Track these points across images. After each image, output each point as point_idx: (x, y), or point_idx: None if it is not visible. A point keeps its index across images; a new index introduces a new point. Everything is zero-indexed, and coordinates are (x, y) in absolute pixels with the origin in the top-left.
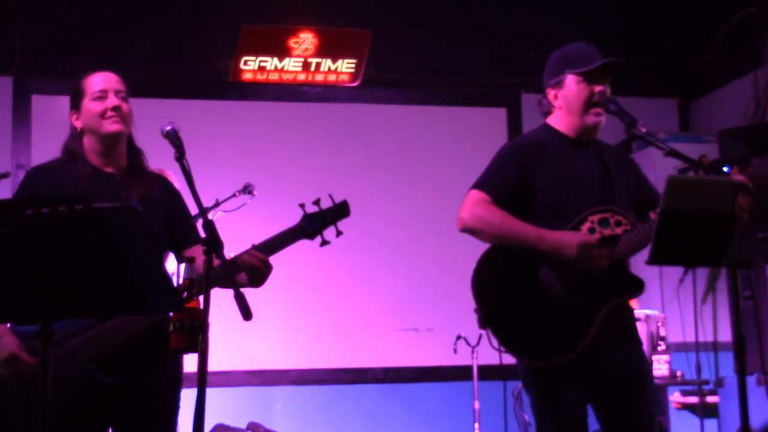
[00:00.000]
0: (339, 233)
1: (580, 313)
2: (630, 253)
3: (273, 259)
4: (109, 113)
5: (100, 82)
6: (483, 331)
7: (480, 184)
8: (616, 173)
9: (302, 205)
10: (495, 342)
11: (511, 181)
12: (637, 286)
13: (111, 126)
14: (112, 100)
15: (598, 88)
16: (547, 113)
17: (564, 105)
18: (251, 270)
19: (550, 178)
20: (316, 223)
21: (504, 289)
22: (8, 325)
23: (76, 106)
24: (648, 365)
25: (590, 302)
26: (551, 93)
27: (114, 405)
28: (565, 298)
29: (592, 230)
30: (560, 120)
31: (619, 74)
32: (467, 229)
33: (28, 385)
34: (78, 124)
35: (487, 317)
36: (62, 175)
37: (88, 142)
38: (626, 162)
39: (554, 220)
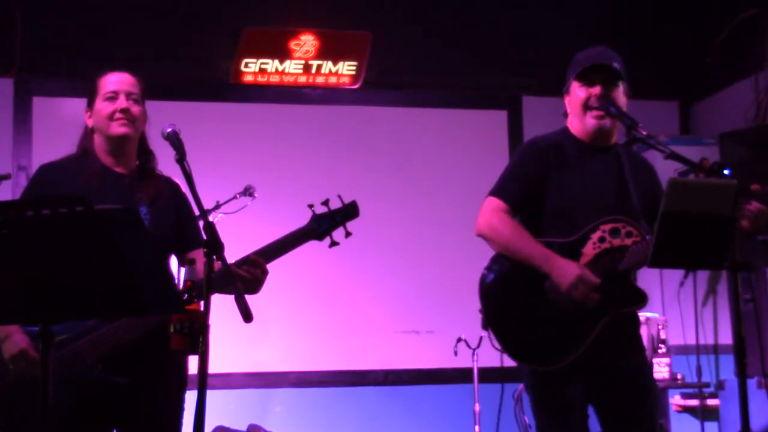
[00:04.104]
0: (348, 234)
1: (580, 321)
2: (636, 266)
3: (274, 261)
4: (118, 115)
5: (114, 82)
6: (484, 334)
7: (498, 191)
8: (633, 179)
9: (311, 206)
10: (495, 343)
11: (529, 183)
12: (639, 299)
13: (118, 128)
14: (122, 102)
15: (594, 91)
16: (566, 117)
17: (571, 109)
18: (244, 282)
19: (563, 181)
20: (326, 225)
21: (509, 293)
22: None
23: (90, 104)
24: (651, 372)
25: (591, 312)
26: (565, 97)
27: (120, 405)
28: (567, 307)
29: (602, 239)
30: (572, 124)
31: (617, 76)
32: (481, 236)
33: (37, 383)
34: (90, 123)
35: (490, 319)
36: (73, 173)
37: (98, 141)
38: (645, 167)
39: (563, 224)
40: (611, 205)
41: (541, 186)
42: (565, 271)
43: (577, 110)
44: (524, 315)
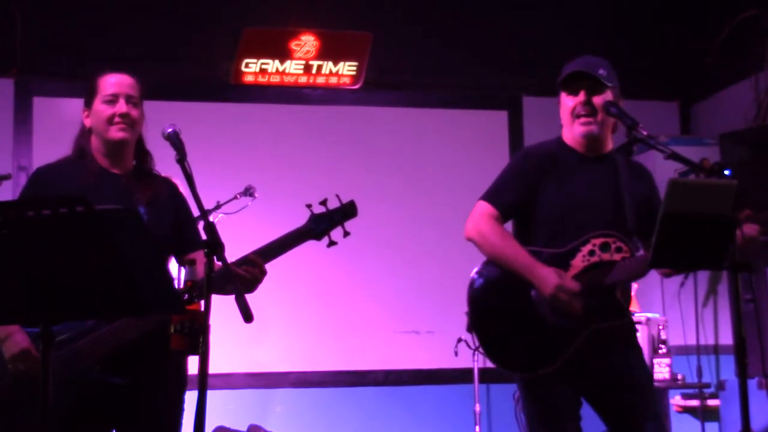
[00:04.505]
0: (346, 234)
1: (562, 331)
2: (623, 281)
3: (274, 261)
4: (117, 119)
5: (113, 84)
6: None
7: (489, 196)
8: (628, 189)
9: (309, 206)
10: (476, 344)
11: (522, 191)
12: (619, 314)
13: (116, 133)
14: (122, 107)
15: (579, 99)
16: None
17: (562, 119)
18: (242, 281)
19: (555, 191)
20: (324, 224)
21: (496, 300)
22: None
23: (88, 104)
24: (647, 369)
25: (574, 323)
26: (559, 109)
27: (119, 405)
28: (550, 317)
29: (592, 253)
30: (565, 134)
31: (600, 82)
32: (470, 240)
33: (37, 383)
34: (87, 123)
35: (475, 323)
36: (69, 175)
37: (95, 142)
38: (641, 174)
39: (553, 233)
40: (603, 216)
41: (533, 194)
42: (546, 280)
43: (566, 119)
44: (509, 322)
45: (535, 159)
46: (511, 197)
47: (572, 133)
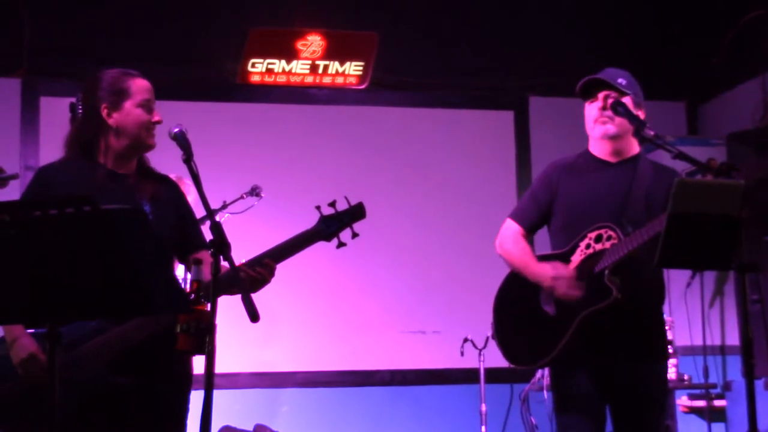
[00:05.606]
0: (355, 235)
1: (558, 323)
2: (614, 263)
3: (282, 262)
4: (152, 127)
5: (146, 90)
6: (490, 335)
7: (513, 214)
8: (640, 192)
9: (318, 207)
10: (499, 350)
11: (539, 207)
12: (605, 296)
13: (152, 140)
14: (157, 116)
15: (599, 105)
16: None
17: (587, 130)
18: (250, 282)
19: (568, 198)
20: (334, 226)
21: (511, 305)
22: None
23: (112, 102)
24: (661, 383)
25: (567, 314)
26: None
27: (125, 406)
28: (551, 311)
29: (588, 246)
30: (591, 145)
31: (616, 89)
32: (499, 256)
33: (44, 386)
34: (111, 121)
35: (495, 327)
36: (77, 175)
37: (114, 141)
38: (665, 177)
39: (566, 237)
40: (606, 213)
41: (550, 207)
42: (542, 275)
43: (590, 127)
44: (519, 322)
45: (553, 173)
46: (532, 213)
47: (594, 137)
